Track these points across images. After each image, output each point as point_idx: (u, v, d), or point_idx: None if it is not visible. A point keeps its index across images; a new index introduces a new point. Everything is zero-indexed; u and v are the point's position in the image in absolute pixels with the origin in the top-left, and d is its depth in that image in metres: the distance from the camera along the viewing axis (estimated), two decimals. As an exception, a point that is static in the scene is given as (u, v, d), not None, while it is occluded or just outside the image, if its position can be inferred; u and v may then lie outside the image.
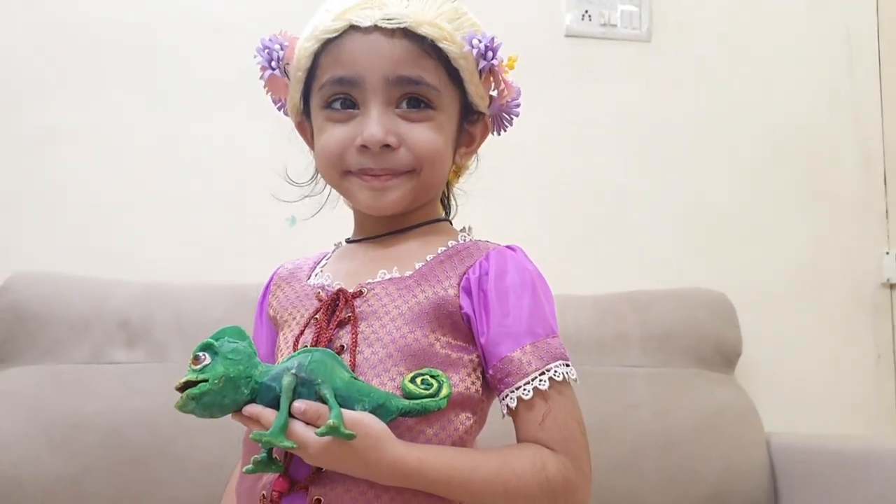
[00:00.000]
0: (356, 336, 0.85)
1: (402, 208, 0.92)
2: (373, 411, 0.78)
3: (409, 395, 0.81)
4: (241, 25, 1.89)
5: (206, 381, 0.75)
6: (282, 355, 0.90)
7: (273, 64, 0.94)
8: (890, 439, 1.99)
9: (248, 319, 1.04)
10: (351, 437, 0.74)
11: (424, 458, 0.79)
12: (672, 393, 1.79)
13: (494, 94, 0.96)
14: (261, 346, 0.99)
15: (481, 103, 0.95)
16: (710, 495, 1.73)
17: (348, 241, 1.01)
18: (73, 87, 1.85)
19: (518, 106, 0.98)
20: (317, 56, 0.90)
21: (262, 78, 0.96)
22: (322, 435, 0.74)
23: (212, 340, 0.78)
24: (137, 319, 1.64)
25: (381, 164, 0.89)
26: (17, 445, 1.50)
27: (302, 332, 0.88)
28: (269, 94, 0.99)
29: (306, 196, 1.02)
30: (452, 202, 1.04)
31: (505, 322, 0.85)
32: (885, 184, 2.14)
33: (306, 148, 1.02)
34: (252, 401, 0.77)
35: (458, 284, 0.87)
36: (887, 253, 2.11)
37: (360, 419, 0.76)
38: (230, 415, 0.78)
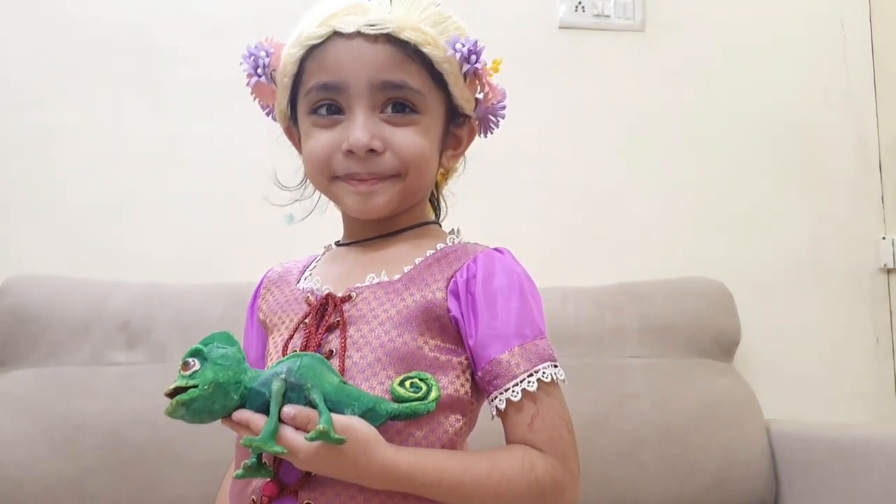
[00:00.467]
0: (345, 340, 0.85)
1: (388, 212, 0.93)
2: (362, 415, 0.79)
3: (398, 399, 0.82)
4: (240, 25, 1.89)
5: (195, 386, 0.76)
6: (271, 360, 0.91)
7: (259, 71, 0.95)
8: (890, 426, 1.99)
9: (247, 319, 1.05)
10: (341, 441, 0.74)
11: (414, 461, 0.79)
12: (671, 383, 1.80)
13: (480, 96, 0.96)
14: (250, 349, 1.00)
15: (467, 106, 0.95)
16: (711, 484, 1.73)
17: (338, 244, 1.01)
18: (71, 88, 1.85)
19: (504, 108, 0.98)
20: (302, 62, 0.91)
21: (248, 85, 0.96)
22: (312, 440, 0.74)
23: (201, 346, 0.79)
24: (137, 320, 1.65)
25: (367, 168, 0.89)
26: (19, 447, 1.51)
27: (291, 337, 0.89)
28: (257, 100, 0.99)
29: (296, 200, 1.03)
30: (442, 204, 1.05)
31: (493, 324, 0.86)
32: (881, 169, 2.14)
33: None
34: (242, 406, 0.78)
35: (446, 287, 0.88)
36: (884, 238, 2.10)
37: (350, 423, 0.76)
38: (220, 420, 0.79)
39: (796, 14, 2.17)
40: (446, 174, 1.04)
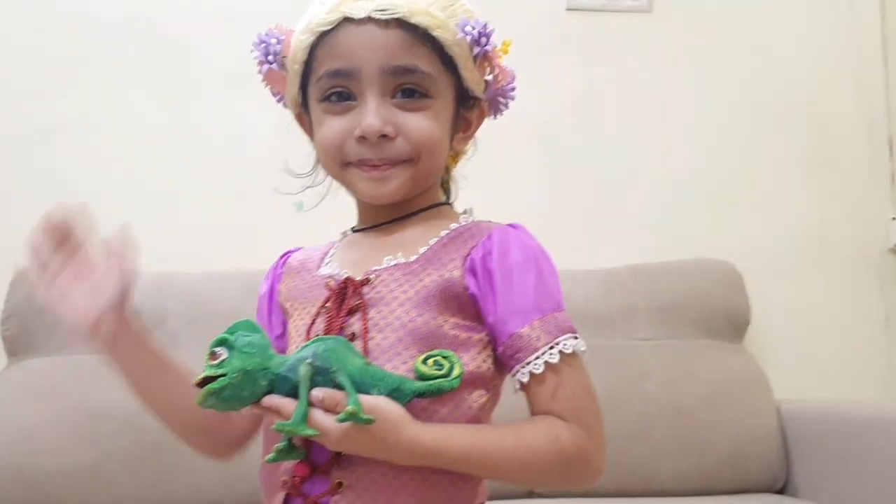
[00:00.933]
0: (366, 323, 0.87)
1: (401, 196, 0.93)
2: (388, 395, 0.80)
3: (422, 377, 0.83)
4: (246, 14, 1.89)
5: (224, 375, 0.77)
6: (293, 344, 0.92)
7: (270, 58, 0.95)
8: (900, 403, 2.00)
9: (260, 306, 1.05)
10: (370, 421, 0.76)
11: (441, 437, 0.81)
12: (682, 363, 1.81)
13: (489, 78, 0.97)
14: (267, 329, 1.00)
15: (477, 89, 0.96)
16: (722, 463, 1.75)
17: (353, 230, 1.02)
18: (80, 79, 1.87)
19: (513, 90, 0.99)
20: (313, 49, 0.91)
21: (259, 72, 0.97)
22: (342, 421, 0.76)
23: (227, 335, 0.80)
24: (150, 309, 1.65)
25: (379, 153, 0.90)
26: (39, 435, 1.53)
27: (314, 322, 0.90)
28: (268, 87, 1.00)
29: (308, 187, 1.03)
30: (452, 187, 1.05)
31: (511, 299, 0.87)
32: (891, 149, 2.13)
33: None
34: (270, 392, 0.79)
35: (463, 266, 0.89)
36: (893, 218, 2.11)
37: (378, 403, 0.78)
38: (249, 406, 0.80)
39: (804, -8, 2.16)
40: (456, 157, 1.05)
